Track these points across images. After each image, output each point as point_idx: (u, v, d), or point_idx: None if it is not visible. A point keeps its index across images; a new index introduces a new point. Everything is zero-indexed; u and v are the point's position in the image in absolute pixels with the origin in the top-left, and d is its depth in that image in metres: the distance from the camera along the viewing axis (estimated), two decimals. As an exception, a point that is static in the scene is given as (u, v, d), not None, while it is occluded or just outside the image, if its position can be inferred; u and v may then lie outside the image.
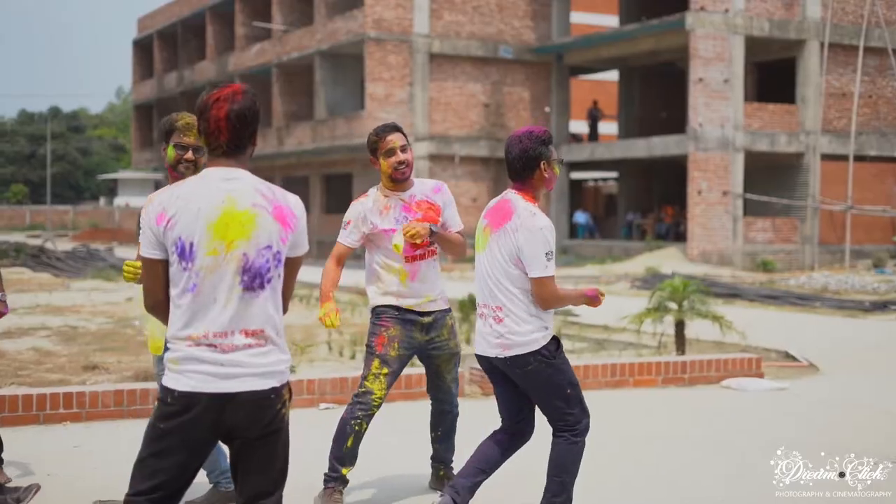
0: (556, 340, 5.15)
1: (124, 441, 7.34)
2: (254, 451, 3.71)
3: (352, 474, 5.99)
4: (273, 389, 3.67)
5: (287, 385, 3.75)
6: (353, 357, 12.43)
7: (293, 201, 3.79)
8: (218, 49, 49.22)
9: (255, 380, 3.65)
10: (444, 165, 37.99)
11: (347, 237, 5.96)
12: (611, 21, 46.10)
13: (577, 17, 45.60)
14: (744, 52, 33.87)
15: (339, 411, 8.58)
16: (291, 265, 3.81)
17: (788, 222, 34.65)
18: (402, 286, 5.90)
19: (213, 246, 3.63)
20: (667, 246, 35.02)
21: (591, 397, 5.67)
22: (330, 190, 43.58)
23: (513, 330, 5.08)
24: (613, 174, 44.67)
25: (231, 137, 3.70)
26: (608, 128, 48.10)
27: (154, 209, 3.73)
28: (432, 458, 6.36)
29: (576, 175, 44.74)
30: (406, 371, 8.92)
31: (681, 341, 11.97)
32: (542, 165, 5.14)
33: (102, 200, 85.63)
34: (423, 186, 6.02)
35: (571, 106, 43.85)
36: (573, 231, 40.87)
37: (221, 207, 3.65)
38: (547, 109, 40.05)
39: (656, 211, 39.29)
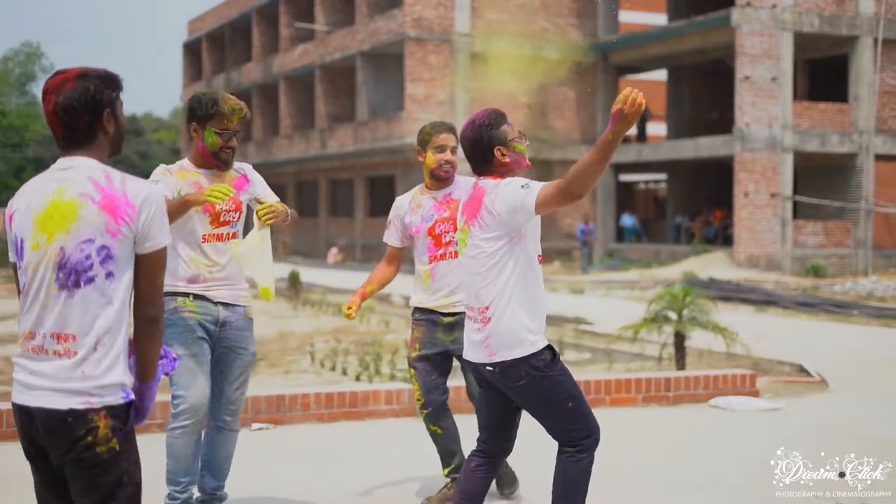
0: (551, 350, 4.59)
1: (21, 467, 6.66)
2: (70, 478, 3.33)
3: None
4: (71, 412, 3.22)
5: (106, 411, 3.25)
6: (332, 369, 11.71)
7: (133, 191, 3.34)
8: (264, 50, 48.87)
9: (51, 396, 3.25)
10: (486, 167, 37.12)
11: (388, 236, 6.06)
12: (660, 20, 44.94)
13: (626, 17, 44.60)
14: (793, 48, 32.65)
15: (275, 433, 7.91)
16: (144, 263, 3.36)
17: (841, 225, 33.39)
18: (426, 287, 5.88)
19: (37, 240, 3.33)
20: (714, 250, 33.94)
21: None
22: (374, 193, 43.00)
23: (497, 329, 4.54)
24: (663, 176, 43.56)
25: (64, 132, 3.38)
26: (660, 129, 46.94)
27: (7, 209, 3.45)
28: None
29: (625, 177, 43.72)
30: (351, 388, 8.26)
31: (680, 354, 11.09)
32: (496, 152, 4.64)
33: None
34: (464, 185, 5.91)
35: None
36: (620, 234, 39.84)
37: (49, 199, 3.33)
38: (591, 109, 39.12)
39: (705, 214, 38.17)
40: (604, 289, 25.17)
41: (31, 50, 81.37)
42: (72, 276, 3.28)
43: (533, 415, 4.69)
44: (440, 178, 5.91)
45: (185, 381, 5.17)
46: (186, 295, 5.24)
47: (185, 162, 5.40)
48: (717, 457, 7.30)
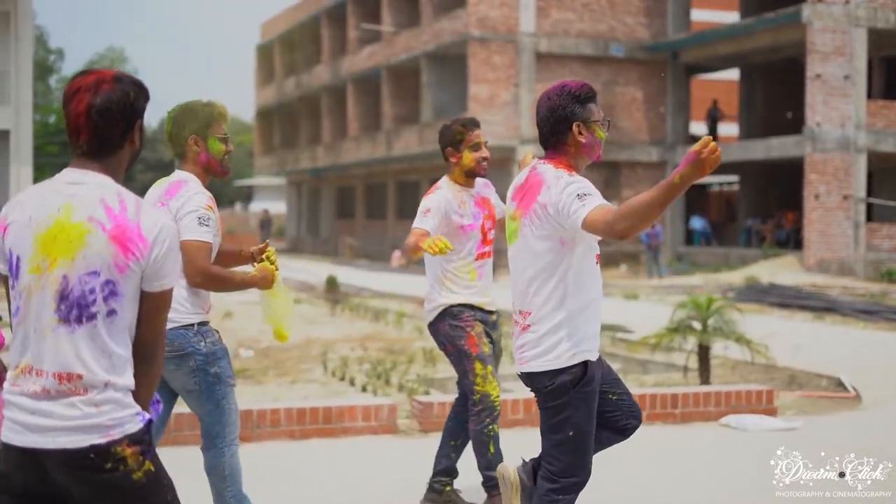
0: (584, 367, 4.14)
1: None
2: None
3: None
4: (93, 448, 2.97)
5: (128, 440, 3.01)
6: (342, 379, 11.24)
7: (148, 223, 3.03)
8: (332, 53, 48.72)
9: (67, 436, 2.97)
10: (551, 169, 36.47)
11: (425, 221, 5.65)
12: (732, 18, 43.83)
13: (697, 15, 43.53)
14: (867, 45, 31.51)
15: (240, 451, 7.43)
16: (151, 302, 3.08)
17: (918, 229, 32.17)
18: (473, 284, 5.81)
19: (37, 262, 3.02)
20: (784, 254, 32.89)
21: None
22: (439, 195, 42.54)
23: (532, 339, 4.21)
24: (735, 178, 42.46)
25: (91, 137, 3.04)
26: (733, 130, 45.79)
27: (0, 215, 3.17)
28: (442, 472, 5.97)
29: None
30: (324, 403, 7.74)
31: (704, 367, 10.43)
32: (574, 128, 4.22)
33: (238, 206, 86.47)
34: (482, 184, 6.04)
35: (696, 107, 41.82)
36: (689, 237, 38.88)
37: (54, 217, 3.01)
38: (662, 110, 38.25)
39: (776, 216, 37.07)
40: (660, 294, 24.39)
41: (115, 55, 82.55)
42: (73, 310, 2.99)
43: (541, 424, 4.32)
44: (480, 176, 5.90)
45: (236, 407, 4.98)
46: (207, 323, 4.91)
47: (197, 182, 4.83)
48: (708, 482, 6.68)
